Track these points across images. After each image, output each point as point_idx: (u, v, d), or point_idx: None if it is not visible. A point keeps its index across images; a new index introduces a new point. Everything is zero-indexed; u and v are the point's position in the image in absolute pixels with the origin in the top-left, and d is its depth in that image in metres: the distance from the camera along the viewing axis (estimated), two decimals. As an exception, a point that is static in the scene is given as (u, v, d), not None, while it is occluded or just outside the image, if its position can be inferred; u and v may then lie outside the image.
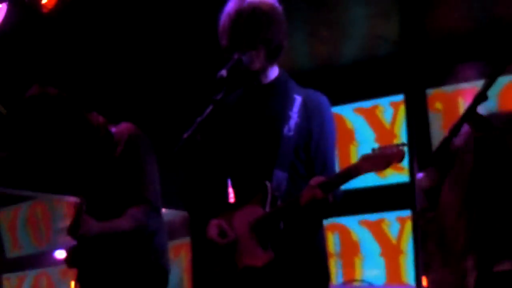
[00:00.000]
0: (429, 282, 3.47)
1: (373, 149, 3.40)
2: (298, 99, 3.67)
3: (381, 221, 7.81)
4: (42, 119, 4.21)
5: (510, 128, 3.16)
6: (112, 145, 4.32)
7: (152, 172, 4.30)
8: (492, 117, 3.10)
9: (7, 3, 6.51)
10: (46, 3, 6.32)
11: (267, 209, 3.55)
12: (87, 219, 4.09)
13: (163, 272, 4.38)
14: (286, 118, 3.62)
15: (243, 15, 3.63)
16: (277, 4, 3.71)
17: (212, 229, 3.66)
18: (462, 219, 3.22)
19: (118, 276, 4.31)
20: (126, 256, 4.30)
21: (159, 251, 4.37)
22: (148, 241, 4.32)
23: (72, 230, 4.10)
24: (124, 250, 4.29)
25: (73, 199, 9.36)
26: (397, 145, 3.38)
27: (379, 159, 3.37)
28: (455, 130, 2.84)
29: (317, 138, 3.66)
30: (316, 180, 3.44)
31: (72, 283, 9.24)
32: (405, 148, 3.38)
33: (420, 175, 3.55)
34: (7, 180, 8.23)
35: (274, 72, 3.74)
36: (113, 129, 4.39)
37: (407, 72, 7.66)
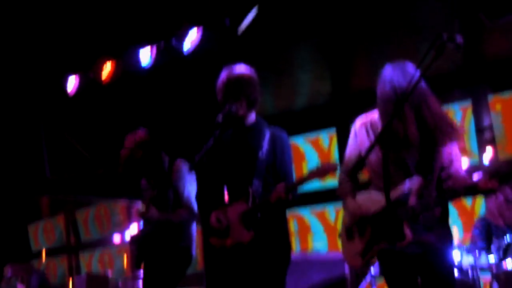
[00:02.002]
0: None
1: (317, 165, 3.44)
2: (267, 134, 3.69)
3: (324, 210, 7.79)
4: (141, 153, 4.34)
5: None
6: (170, 174, 4.38)
7: (192, 189, 4.36)
8: None
9: (79, 75, 6.51)
10: (104, 77, 6.32)
11: (250, 205, 3.56)
12: (152, 208, 4.18)
13: (189, 255, 4.40)
14: (260, 147, 3.64)
15: (231, 79, 3.66)
16: (254, 73, 3.74)
17: (213, 218, 3.68)
18: None
19: (161, 254, 4.34)
20: (167, 241, 4.33)
21: (189, 240, 4.38)
22: (182, 232, 4.35)
23: (142, 214, 4.28)
24: (167, 237, 4.33)
25: (125, 202, 9.33)
26: (333, 163, 3.43)
27: (321, 172, 3.40)
28: (369, 151, 2.88)
29: (279, 158, 3.67)
30: (280, 186, 3.47)
31: (125, 257, 9.19)
32: (337, 165, 3.43)
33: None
34: (84, 191, 8.16)
35: (252, 117, 3.76)
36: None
37: (338, 114, 7.67)
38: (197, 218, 4.38)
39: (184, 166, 4.40)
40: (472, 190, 3.01)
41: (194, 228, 4.45)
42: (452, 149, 3.21)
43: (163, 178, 4.40)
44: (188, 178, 4.36)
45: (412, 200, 3.12)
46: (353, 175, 3.41)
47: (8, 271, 8.79)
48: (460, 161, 3.24)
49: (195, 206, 4.35)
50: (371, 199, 3.27)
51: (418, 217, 3.12)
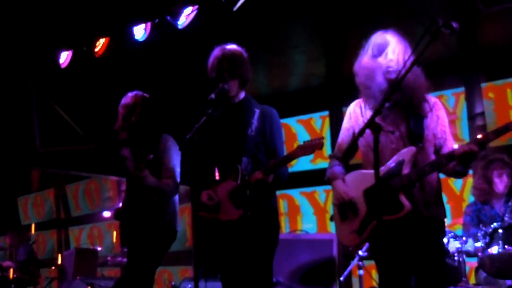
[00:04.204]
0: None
1: (304, 141, 3.44)
2: (257, 111, 3.69)
3: (314, 192, 7.82)
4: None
5: None
6: (157, 145, 4.35)
7: (177, 162, 4.33)
8: None
9: (72, 51, 6.47)
10: (98, 50, 6.28)
11: (238, 182, 3.57)
12: (148, 172, 4.12)
13: (174, 230, 4.39)
14: (249, 124, 3.65)
15: (225, 57, 3.65)
16: (245, 52, 3.74)
17: (204, 196, 3.68)
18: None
19: (144, 230, 4.30)
20: (151, 216, 4.30)
21: (172, 215, 4.36)
22: (165, 207, 4.32)
23: (135, 172, 4.18)
24: (151, 212, 4.29)
25: (115, 178, 9.32)
26: (319, 138, 3.41)
27: (308, 147, 3.39)
28: (360, 133, 2.89)
29: (269, 135, 3.68)
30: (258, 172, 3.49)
31: (114, 233, 9.21)
32: (324, 140, 3.42)
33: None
34: (75, 165, 8.11)
35: (242, 95, 3.77)
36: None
37: (331, 96, 7.67)
38: (178, 191, 4.36)
39: (171, 140, 4.38)
40: (450, 157, 3.02)
41: (177, 203, 4.43)
42: (445, 129, 3.24)
43: (151, 148, 4.35)
44: (174, 151, 4.34)
45: (406, 169, 3.11)
46: (345, 159, 3.42)
47: (7, 239, 8.80)
48: (452, 142, 3.27)
49: (178, 178, 4.33)
50: (362, 176, 3.26)
51: (414, 185, 3.09)
